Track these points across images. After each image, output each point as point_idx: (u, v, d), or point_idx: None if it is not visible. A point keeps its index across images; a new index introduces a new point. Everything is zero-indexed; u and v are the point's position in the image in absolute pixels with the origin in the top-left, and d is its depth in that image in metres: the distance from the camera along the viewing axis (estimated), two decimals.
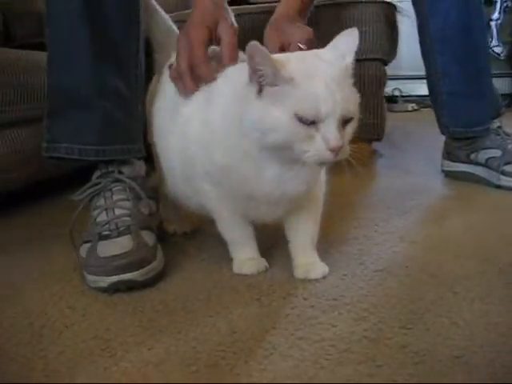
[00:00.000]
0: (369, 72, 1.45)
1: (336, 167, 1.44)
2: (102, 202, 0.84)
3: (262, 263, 0.81)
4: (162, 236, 0.95)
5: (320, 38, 1.46)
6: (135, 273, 0.74)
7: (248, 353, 0.56)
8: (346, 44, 0.68)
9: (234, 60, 0.80)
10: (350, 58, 0.67)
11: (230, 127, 0.71)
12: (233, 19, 0.86)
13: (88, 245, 0.79)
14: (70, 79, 0.84)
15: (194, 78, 0.80)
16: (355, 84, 0.68)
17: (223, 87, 0.76)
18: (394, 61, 1.63)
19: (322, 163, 0.66)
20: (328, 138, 0.62)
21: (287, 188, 0.71)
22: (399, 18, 1.56)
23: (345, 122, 0.65)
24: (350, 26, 1.41)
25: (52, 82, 0.86)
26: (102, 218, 0.82)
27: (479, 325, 0.61)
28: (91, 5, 0.81)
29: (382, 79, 1.49)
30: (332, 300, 0.68)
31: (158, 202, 0.93)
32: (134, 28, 0.88)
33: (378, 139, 1.57)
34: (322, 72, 0.64)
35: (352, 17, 1.45)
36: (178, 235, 1.00)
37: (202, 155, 0.76)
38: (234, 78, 0.74)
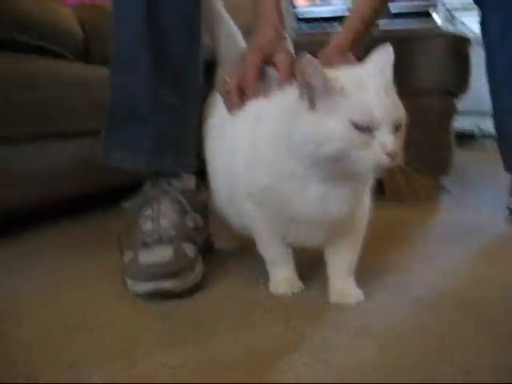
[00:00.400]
0: (436, 104, 1.42)
1: (397, 196, 1.43)
2: (149, 211, 0.88)
3: (298, 285, 0.81)
4: (208, 250, 0.97)
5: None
6: (171, 282, 0.76)
7: (262, 370, 0.56)
8: (382, 59, 0.69)
9: None
10: (389, 71, 0.69)
11: (275, 148, 0.72)
12: (291, 49, 0.89)
13: (132, 251, 0.82)
14: (128, 93, 0.89)
15: (240, 97, 0.82)
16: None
17: (270, 109, 0.77)
18: (474, 95, 1.58)
19: (377, 169, 0.65)
20: (384, 143, 0.63)
21: (330, 209, 0.71)
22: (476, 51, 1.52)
23: (395, 129, 0.65)
24: (417, 59, 1.42)
25: (112, 95, 0.91)
26: (148, 227, 0.85)
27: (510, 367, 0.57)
28: (153, 23, 0.86)
29: (450, 112, 1.45)
30: (361, 327, 0.67)
31: (205, 217, 0.96)
32: (195, 46, 0.92)
33: (444, 174, 1.52)
34: (370, 82, 0.66)
35: (419, 49, 1.43)
36: (224, 251, 1.01)
37: (246, 176, 0.78)
38: (281, 100, 0.76)
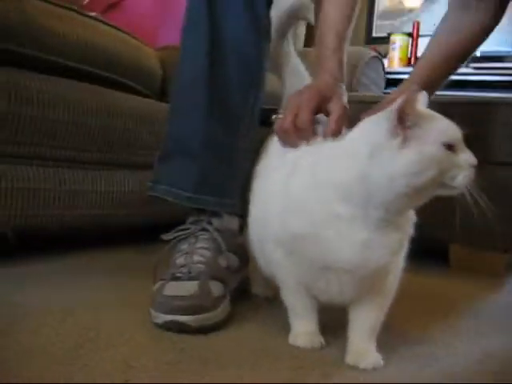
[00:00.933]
0: (502, 176, 1.35)
1: (462, 268, 1.36)
2: (185, 246, 0.90)
3: (318, 339, 0.78)
4: (242, 293, 0.98)
5: None
6: (189, 317, 0.77)
7: None
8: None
9: (336, 136, 0.81)
10: None
11: (317, 193, 0.72)
12: (345, 99, 0.89)
13: (161, 282, 0.84)
14: (182, 129, 0.94)
15: (297, 136, 0.81)
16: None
17: (311, 156, 0.77)
18: None
19: (468, 184, 0.68)
20: (468, 157, 0.68)
21: (371, 256, 0.69)
22: None
23: None
24: (482, 126, 1.37)
25: (168, 130, 0.96)
26: (180, 260, 0.87)
27: None
28: (215, 63, 0.91)
29: None
30: None
31: (243, 260, 0.96)
32: (253, 90, 0.96)
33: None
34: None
35: (485, 116, 1.38)
36: (259, 297, 1.01)
37: (278, 223, 0.77)
38: (328, 147, 0.77)
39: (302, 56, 2.21)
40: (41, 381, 0.58)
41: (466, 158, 0.68)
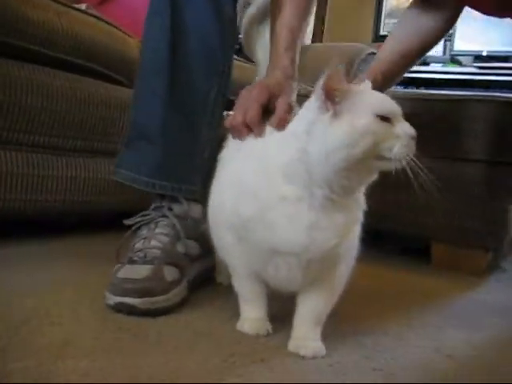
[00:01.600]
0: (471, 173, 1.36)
1: (442, 266, 1.36)
2: (144, 231, 0.92)
3: (265, 326, 0.79)
4: (206, 281, 0.99)
5: (426, 133, 1.43)
6: (137, 300, 0.78)
7: None
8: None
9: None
10: None
11: (265, 176, 0.72)
12: (294, 98, 0.88)
13: (118, 265, 0.86)
14: (142, 115, 0.95)
15: (247, 131, 0.82)
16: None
17: (259, 144, 0.79)
18: None
19: (406, 156, 0.68)
20: (407, 129, 0.69)
21: (317, 238, 0.70)
22: None
23: None
24: (460, 123, 1.37)
25: (131, 116, 0.98)
26: (139, 245, 0.89)
27: None
28: (176, 53, 0.93)
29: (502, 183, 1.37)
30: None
31: (205, 247, 0.97)
32: (216, 78, 0.97)
33: (494, 250, 1.42)
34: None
35: (462, 114, 1.37)
36: (223, 286, 1.02)
37: (231, 208, 0.78)
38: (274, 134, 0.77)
39: (308, 51, 2.23)
40: None
41: (404, 128, 0.68)
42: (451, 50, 3.10)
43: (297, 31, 0.91)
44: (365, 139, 0.66)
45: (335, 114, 0.67)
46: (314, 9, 0.97)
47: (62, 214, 1.22)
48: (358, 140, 0.66)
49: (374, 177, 0.72)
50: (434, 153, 1.44)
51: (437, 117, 1.45)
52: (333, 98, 0.68)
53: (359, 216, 0.75)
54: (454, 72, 2.95)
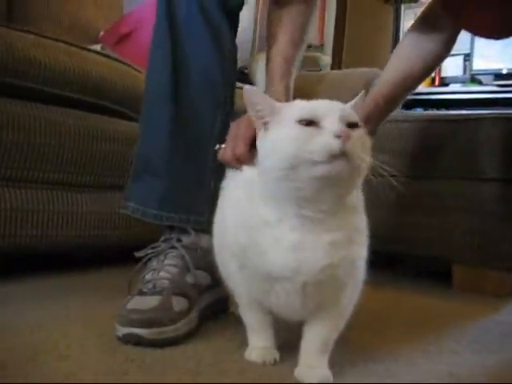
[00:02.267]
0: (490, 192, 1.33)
1: (464, 289, 1.33)
2: (154, 263, 0.93)
3: (272, 355, 0.78)
4: (220, 311, 1.00)
5: (432, 152, 1.41)
6: (144, 330, 0.79)
7: None
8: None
9: None
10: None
11: (249, 199, 0.74)
12: None
13: (129, 297, 0.87)
14: (147, 148, 0.98)
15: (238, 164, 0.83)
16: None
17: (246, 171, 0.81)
18: None
19: (331, 155, 0.63)
20: (331, 127, 0.64)
21: (305, 259, 0.68)
22: None
23: (349, 126, 0.66)
24: (463, 143, 1.36)
25: (137, 149, 1.01)
26: (148, 276, 0.90)
27: None
28: (178, 86, 0.95)
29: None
30: None
31: (215, 277, 0.97)
32: (220, 110, 0.99)
33: None
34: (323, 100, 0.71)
35: (478, 132, 1.36)
36: (235, 316, 1.02)
37: (231, 236, 0.78)
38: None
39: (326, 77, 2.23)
40: None
41: (331, 127, 0.64)
42: (471, 69, 3.09)
43: (291, 59, 0.93)
44: (288, 145, 0.65)
45: (266, 130, 0.71)
46: (307, 40, 0.98)
47: (73, 248, 1.24)
48: (282, 147, 0.66)
49: (336, 189, 0.67)
50: (451, 173, 1.44)
51: (453, 137, 1.44)
52: (261, 117, 0.71)
53: (355, 238, 0.72)
54: (474, 91, 2.92)
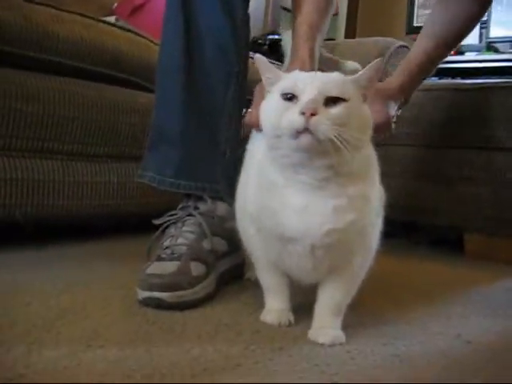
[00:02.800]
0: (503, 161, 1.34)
1: (476, 257, 1.36)
2: (172, 230, 0.96)
3: (287, 317, 0.82)
4: (236, 277, 1.03)
5: (465, 121, 1.41)
6: (164, 294, 0.82)
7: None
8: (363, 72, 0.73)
9: None
10: (361, 80, 0.72)
11: (262, 163, 0.77)
12: None
13: (148, 263, 0.91)
14: (162, 118, 1.00)
15: None
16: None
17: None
18: None
19: (296, 132, 0.66)
20: (301, 104, 0.67)
21: (311, 222, 0.71)
22: None
23: (329, 104, 0.67)
24: (479, 112, 1.36)
25: (153, 119, 1.03)
26: (167, 243, 0.94)
27: None
28: (191, 56, 0.97)
29: None
30: (316, 367, 0.66)
31: (232, 244, 1.01)
32: (233, 79, 1.00)
33: None
34: (314, 72, 0.75)
35: (492, 102, 1.36)
36: (251, 281, 1.05)
37: (251, 200, 0.81)
38: None
39: (339, 47, 2.24)
40: (15, 342, 0.66)
41: (300, 104, 0.67)
42: (487, 37, 3.03)
43: (316, 27, 0.94)
44: (270, 116, 0.70)
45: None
46: (334, 8, 0.97)
47: (95, 217, 1.28)
48: (266, 117, 0.72)
49: (318, 159, 0.68)
50: (465, 142, 1.44)
51: (468, 106, 1.44)
52: (268, 84, 0.75)
53: (363, 206, 0.74)
54: (490, 60, 2.88)
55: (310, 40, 0.92)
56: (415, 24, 3.37)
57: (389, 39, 2.34)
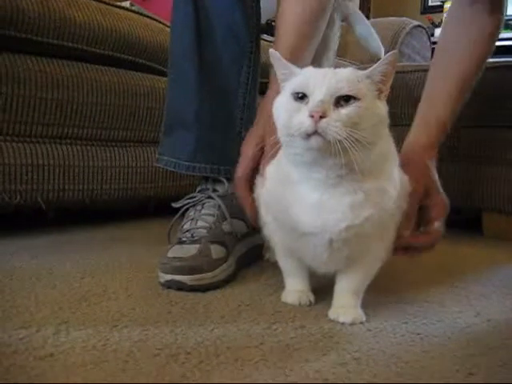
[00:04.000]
0: None
1: (495, 235, 1.35)
2: (192, 213, 0.97)
3: (307, 297, 0.83)
4: (256, 259, 1.04)
5: (483, 99, 1.40)
6: (185, 277, 0.84)
7: (211, 355, 0.61)
8: (377, 65, 0.70)
9: None
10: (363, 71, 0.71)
11: (279, 156, 0.77)
12: None
13: (169, 246, 0.92)
14: (176, 102, 1.01)
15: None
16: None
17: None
18: None
19: (306, 134, 0.65)
20: (310, 106, 0.66)
21: (328, 219, 0.71)
22: None
23: (341, 103, 0.66)
24: (493, 91, 1.34)
25: (167, 104, 1.04)
26: (187, 226, 0.95)
27: None
28: (202, 39, 0.97)
29: None
30: (337, 345, 0.67)
31: (251, 225, 1.01)
32: (245, 60, 1.01)
33: None
34: (326, 69, 0.72)
35: (495, 80, 1.34)
36: (270, 262, 1.06)
37: (266, 186, 0.82)
38: None
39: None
40: (42, 323, 0.68)
41: (309, 106, 0.66)
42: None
43: (297, 51, 0.89)
44: (282, 116, 0.70)
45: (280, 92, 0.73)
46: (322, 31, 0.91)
47: (116, 201, 1.30)
48: (278, 117, 0.71)
49: (331, 159, 0.67)
50: (479, 121, 1.43)
51: (481, 84, 1.43)
52: (282, 80, 0.74)
53: (382, 200, 0.73)
54: (506, 38, 2.84)
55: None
56: (430, 3, 3.33)
57: (404, 19, 2.32)
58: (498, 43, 2.98)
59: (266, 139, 0.84)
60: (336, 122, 0.65)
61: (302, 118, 0.66)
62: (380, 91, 0.71)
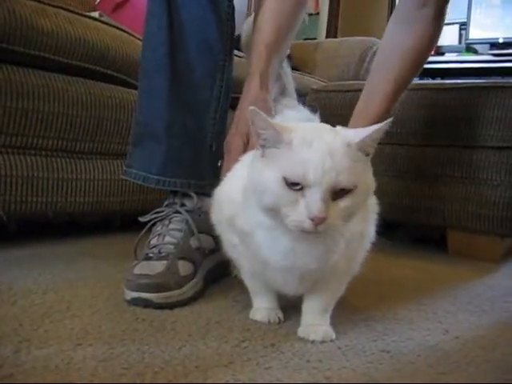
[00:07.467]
0: (485, 159, 1.36)
1: (458, 254, 1.37)
2: (159, 228, 0.95)
3: (276, 314, 0.82)
4: (224, 275, 1.02)
5: (447, 119, 1.43)
6: (152, 294, 0.81)
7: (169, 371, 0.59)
8: (366, 130, 0.66)
9: None
10: (358, 138, 0.65)
11: (246, 199, 0.72)
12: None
13: (135, 262, 0.90)
14: (147, 114, 0.99)
15: None
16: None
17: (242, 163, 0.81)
18: None
19: (302, 231, 0.64)
20: (311, 207, 0.61)
21: (299, 262, 0.70)
22: None
23: (338, 193, 0.63)
24: (472, 111, 1.37)
25: (137, 115, 1.02)
26: (154, 241, 0.93)
27: None
28: (175, 51, 0.96)
29: None
30: (308, 363, 0.66)
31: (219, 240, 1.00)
32: (218, 74, 1.00)
33: (510, 236, 1.42)
34: (323, 141, 0.64)
35: (474, 101, 1.38)
36: (238, 279, 1.05)
37: (238, 212, 0.76)
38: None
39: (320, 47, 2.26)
40: (2, 341, 0.64)
41: (308, 204, 0.62)
42: (467, 38, 3.08)
43: (273, 45, 0.94)
44: (269, 196, 0.64)
45: (262, 155, 0.66)
46: (298, 25, 0.95)
47: (81, 214, 1.26)
48: (263, 192, 0.64)
49: None
50: (447, 141, 1.46)
51: (449, 106, 1.46)
52: (260, 137, 0.66)
53: (356, 239, 0.74)
54: (469, 61, 2.92)
55: (262, 62, 0.92)
56: None
57: (373, 38, 2.36)
58: (458, 65, 3.06)
59: (250, 138, 0.86)
60: (335, 220, 0.63)
61: (299, 216, 0.62)
62: (368, 154, 0.68)
